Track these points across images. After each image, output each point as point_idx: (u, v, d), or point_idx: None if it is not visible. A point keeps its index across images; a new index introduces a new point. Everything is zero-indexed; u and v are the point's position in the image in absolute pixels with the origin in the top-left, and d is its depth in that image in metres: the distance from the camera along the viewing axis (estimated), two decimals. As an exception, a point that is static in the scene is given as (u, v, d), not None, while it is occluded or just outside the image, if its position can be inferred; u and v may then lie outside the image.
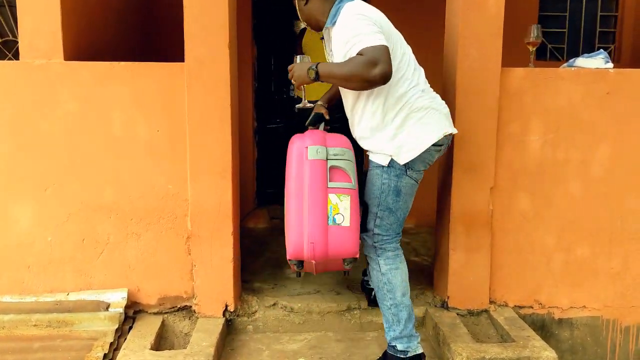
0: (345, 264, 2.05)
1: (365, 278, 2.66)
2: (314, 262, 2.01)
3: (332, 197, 1.98)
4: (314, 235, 1.96)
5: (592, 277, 2.64)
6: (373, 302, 2.52)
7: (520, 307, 2.65)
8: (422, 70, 2.16)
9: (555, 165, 2.56)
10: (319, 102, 2.40)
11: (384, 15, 2.07)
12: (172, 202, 2.49)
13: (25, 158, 2.45)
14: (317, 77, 1.99)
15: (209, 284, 2.50)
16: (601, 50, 2.70)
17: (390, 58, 1.88)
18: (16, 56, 3.24)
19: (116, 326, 2.34)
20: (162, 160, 2.47)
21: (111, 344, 2.26)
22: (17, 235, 2.48)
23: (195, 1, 2.35)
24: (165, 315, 2.54)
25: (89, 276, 2.51)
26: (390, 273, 2.12)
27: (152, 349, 2.25)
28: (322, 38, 2.23)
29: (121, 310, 2.42)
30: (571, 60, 2.71)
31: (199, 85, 2.39)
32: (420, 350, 2.15)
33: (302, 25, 4.39)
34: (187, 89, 2.40)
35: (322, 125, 2.28)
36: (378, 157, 2.08)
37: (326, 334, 2.59)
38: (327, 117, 2.31)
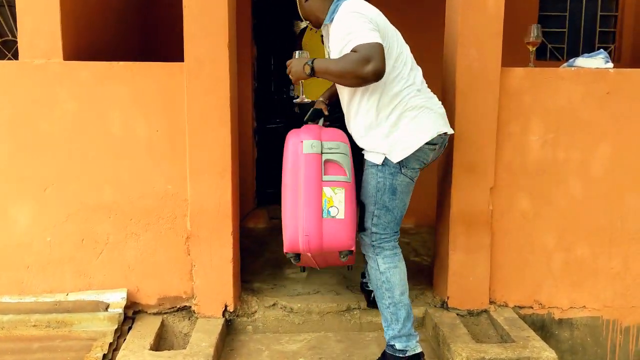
0: (341, 256, 2.07)
1: (365, 280, 2.66)
2: (309, 254, 2.04)
3: (327, 190, 2.01)
4: (308, 228, 1.99)
5: (592, 277, 2.64)
6: (372, 304, 2.53)
7: (520, 308, 2.65)
8: (419, 69, 2.16)
9: (555, 165, 2.56)
10: (320, 99, 2.42)
11: (382, 14, 2.07)
12: (171, 202, 2.49)
13: (25, 158, 2.44)
14: (313, 73, 2.02)
15: (209, 284, 2.50)
16: (601, 50, 2.69)
17: (383, 55, 1.89)
18: (15, 56, 3.24)
19: (115, 326, 2.34)
20: (161, 160, 2.47)
21: (110, 344, 2.26)
22: (16, 235, 2.48)
23: (195, 1, 2.35)
24: (165, 316, 2.53)
25: (88, 276, 2.51)
26: (389, 272, 2.12)
27: (151, 349, 2.25)
28: (323, 36, 2.25)
29: (120, 310, 2.41)
30: (571, 60, 2.71)
31: (198, 85, 2.39)
32: (419, 349, 2.14)
33: (302, 25, 4.41)
34: (187, 88, 2.40)
35: (321, 121, 2.30)
36: (372, 155, 2.09)
37: (326, 334, 2.58)
38: (326, 112, 2.33)
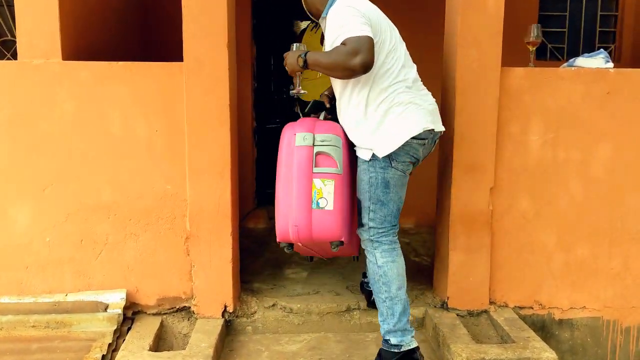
0: (332, 247, 2.12)
1: (365, 280, 2.66)
2: (300, 244, 2.12)
3: (317, 182, 2.07)
4: (298, 218, 2.07)
5: (593, 278, 2.64)
6: (372, 304, 2.53)
7: (521, 308, 2.64)
8: (414, 67, 2.18)
9: (556, 165, 2.55)
10: (324, 92, 2.45)
11: (378, 9, 2.11)
12: (171, 202, 2.48)
13: (24, 158, 2.44)
14: (306, 65, 2.07)
15: (208, 284, 2.49)
16: (601, 49, 2.69)
17: (372, 48, 1.93)
18: (15, 56, 3.24)
19: (115, 327, 2.33)
20: (161, 160, 2.46)
21: (110, 345, 2.25)
22: (15, 235, 2.47)
23: (195, 1, 2.34)
24: (164, 316, 2.53)
25: (87, 277, 2.51)
26: (387, 266, 2.13)
27: (150, 350, 2.24)
28: (322, 35, 2.27)
29: (120, 311, 2.41)
30: (571, 60, 2.71)
31: (198, 85, 2.39)
32: (414, 345, 2.14)
33: (302, 25, 4.42)
34: (186, 88, 2.40)
35: (322, 114, 2.32)
36: (362, 152, 2.12)
37: (325, 334, 2.58)
38: (327, 105, 2.37)
